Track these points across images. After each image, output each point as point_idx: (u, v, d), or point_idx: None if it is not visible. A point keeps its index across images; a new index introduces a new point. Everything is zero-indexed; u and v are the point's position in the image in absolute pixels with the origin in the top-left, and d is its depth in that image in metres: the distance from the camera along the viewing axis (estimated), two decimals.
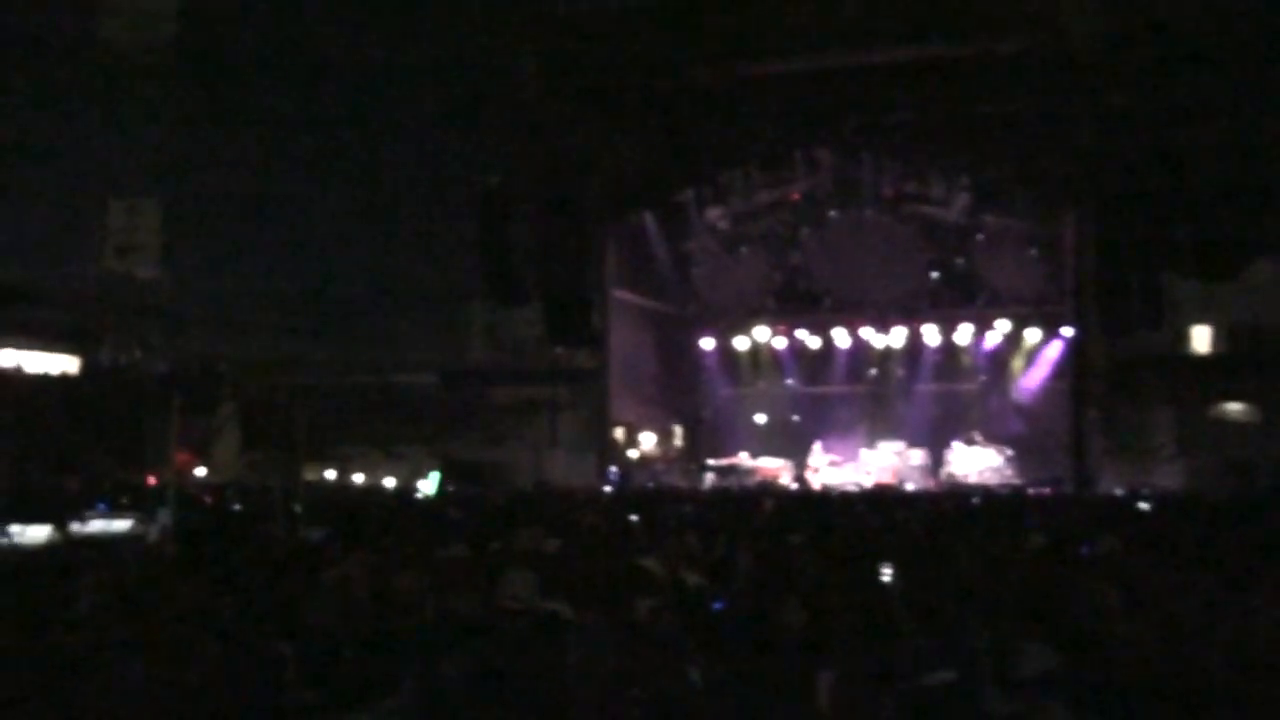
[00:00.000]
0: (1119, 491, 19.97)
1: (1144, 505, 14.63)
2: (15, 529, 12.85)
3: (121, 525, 13.40)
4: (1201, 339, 23.62)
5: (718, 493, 22.10)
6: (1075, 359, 23.82)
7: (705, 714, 4.80)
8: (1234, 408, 22.80)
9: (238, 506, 14.96)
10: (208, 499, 17.18)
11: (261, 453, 24.69)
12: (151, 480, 20.41)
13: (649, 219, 26.91)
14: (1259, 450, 20.85)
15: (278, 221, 28.36)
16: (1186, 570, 7.63)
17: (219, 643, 5.75)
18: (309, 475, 25.45)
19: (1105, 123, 21.98)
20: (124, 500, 15.76)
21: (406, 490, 22.57)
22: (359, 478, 25.84)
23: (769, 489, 22.59)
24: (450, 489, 22.43)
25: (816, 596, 6.64)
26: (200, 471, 25.30)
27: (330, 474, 26.01)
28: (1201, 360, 23.40)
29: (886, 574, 6.88)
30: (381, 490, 23.22)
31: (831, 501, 18.00)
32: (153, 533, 12.64)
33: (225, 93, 27.60)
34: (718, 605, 7.06)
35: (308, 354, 27.99)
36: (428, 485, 23.56)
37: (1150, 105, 21.33)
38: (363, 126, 27.44)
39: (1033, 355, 25.99)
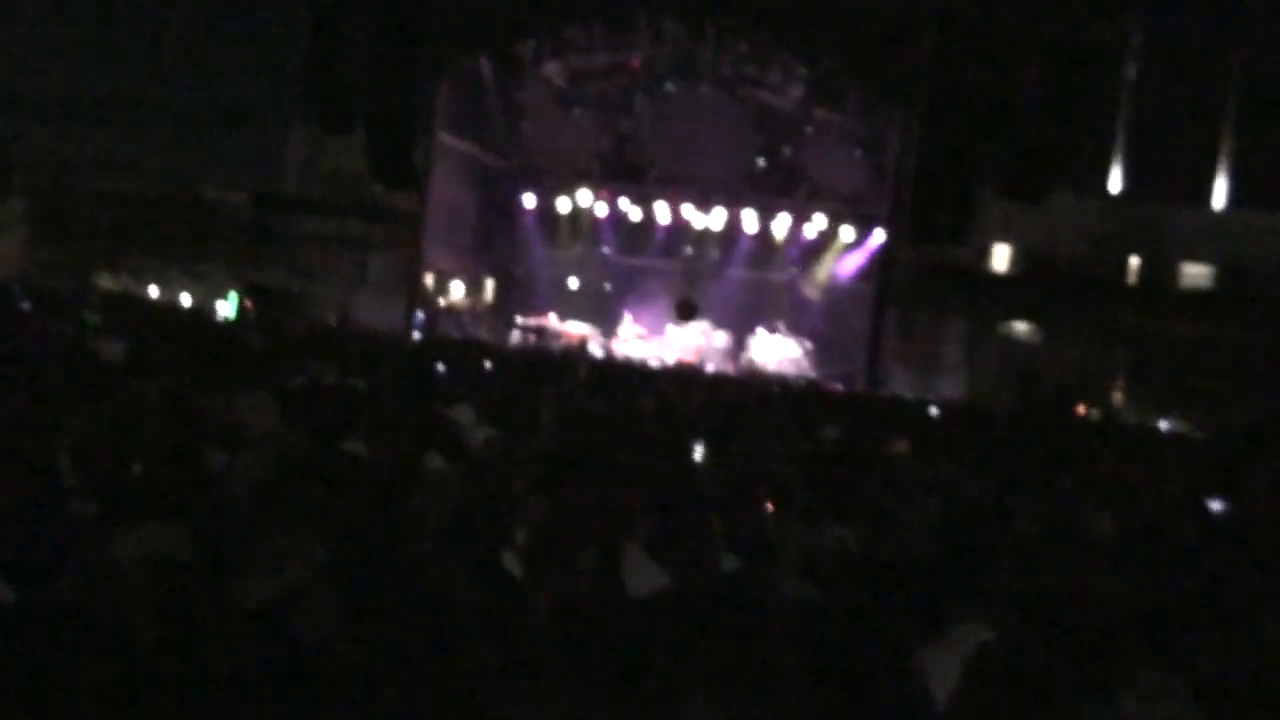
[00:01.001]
0: (907, 395, 20.86)
1: (933, 410, 15.33)
2: None
3: None
4: (1000, 257, 24.66)
5: (527, 351, 22.13)
6: (883, 261, 24.52)
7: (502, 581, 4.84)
8: (1020, 327, 23.99)
9: (25, 305, 14.15)
10: None
11: (51, 252, 23.44)
12: None
13: (485, 66, 26.22)
14: (1039, 369, 22.06)
15: (94, 15, 26.46)
16: (969, 473, 8.06)
17: None
18: (101, 282, 24.41)
19: (942, 32, 22.35)
20: None
21: (205, 311, 21.81)
22: (153, 291, 24.82)
23: (581, 355, 22.73)
24: (250, 315, 21.80)
25: (620, 466, 6.76)
26: None
27: (121, 283, 24.92)
28: (997, 278, 24.46)
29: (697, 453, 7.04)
30: (179, 308, 22.37)
31: (638, 373, 18.25)
32: None
33: None
34: None
35: (112, 154, 26.43)
36: (225, 307, 22.86)
37: (987, 21, 21.77)
38: None
39: (843, 252, 26.61)
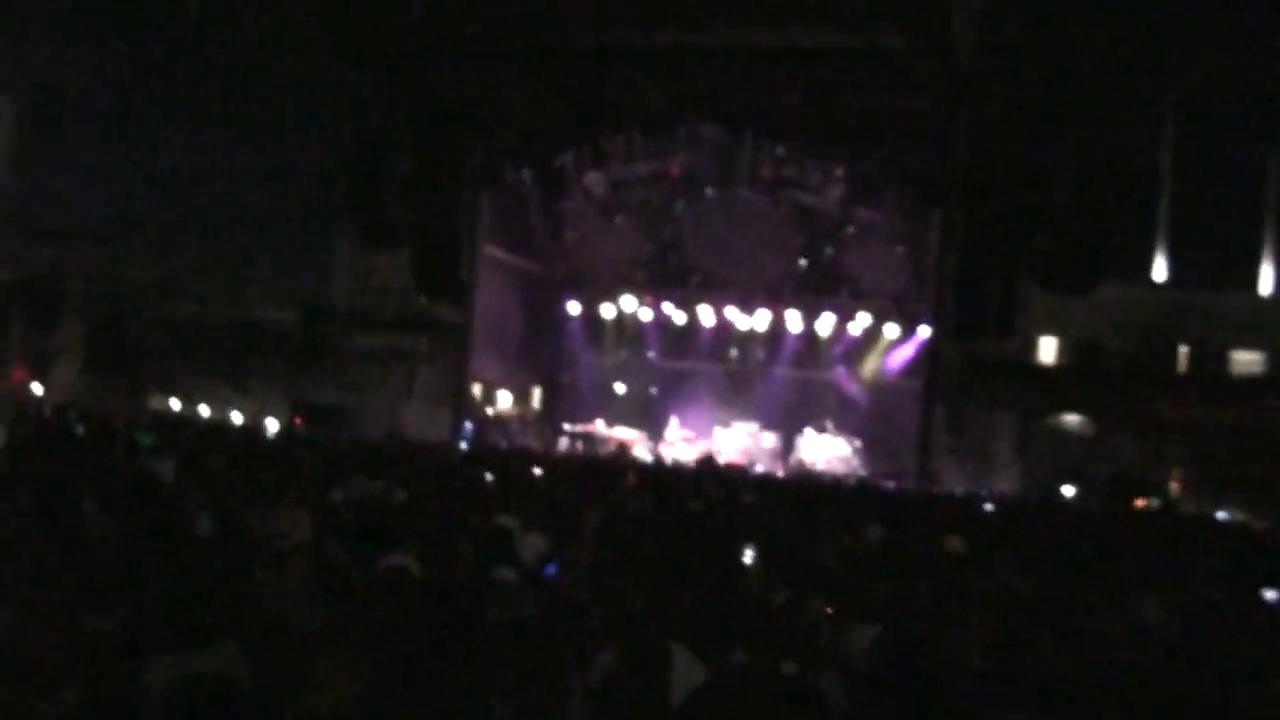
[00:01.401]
0: (958, 491, 20.61)
1: (988, 506, 15.14)
2: None
3: None
4: (1048, 350, 24.49)
5: (574, 459, 22.13)
6: (929, 357, 24.42)
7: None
8: (1071, 419, 23.71)
9: (79, 430, 14.38)
10: (48, 414, 16.53)
11: (104, 376, 23.88)
12: None
13: (527, 177, 26.67)
14: (1091, 461, 21.75)
15: (145, 141, 27.31)
16: (1025, 572, 7.92)
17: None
18: (152, 403, 24.79)
19: (979, 130, 22.49)
20: None
21: (254, 428, 22.06)
22: (204, 410, 25.16)
23: (627, 460, 22.68)
24: (299, 431, 22.02)
25: (665, 571, 6.70)
26: (36, 389, 24.35)
27: (174, 404, 25.31)
28: (1046, 370, 24.28)
29: (748, 557, 6.97)
30: (229, 426, 22.64)
31: (686, 477, 18.17)
32: None
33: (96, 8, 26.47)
34: (550, 569, 7.09)
35: (164, 279, 27.06)
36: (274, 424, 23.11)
37: (1023, 118, 21.92)
38: (241, 52, 26.55)
39: (889, 350, 26.55)
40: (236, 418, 24.20)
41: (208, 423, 23.29)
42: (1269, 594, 7.35)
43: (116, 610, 5.00)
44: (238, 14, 26.84)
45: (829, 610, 5.90)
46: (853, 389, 26.87)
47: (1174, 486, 20.81)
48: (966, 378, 23.52)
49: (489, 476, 13.14)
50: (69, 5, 26.99)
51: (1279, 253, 24.45)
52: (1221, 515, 18.17)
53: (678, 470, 21.02)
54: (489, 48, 24.23)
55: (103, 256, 26.78)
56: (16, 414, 15.32)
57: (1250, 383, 23.05)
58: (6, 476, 9.37)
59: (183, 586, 5.62)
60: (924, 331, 24.91)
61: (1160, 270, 25.10)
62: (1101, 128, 21.63)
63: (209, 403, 25.34)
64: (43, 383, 25.09)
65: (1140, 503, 19.43)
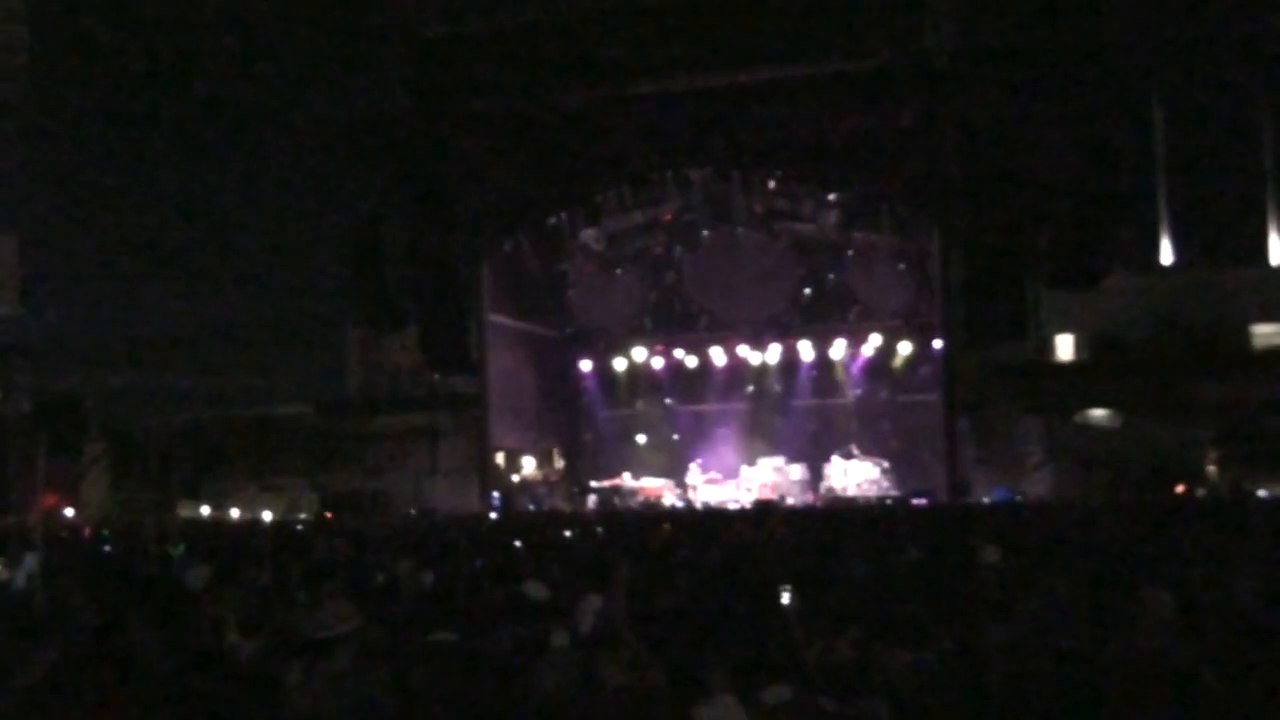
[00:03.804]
0: (987, 500, 20.41)
1: (1021, 512, 14.97)
2: None
3: None
4: (1065, 347, 24.31)
5: (604, 515, 22.02)
6: (945, 369, 24.28)
7: None
8: (1098, 414, 23.49)
9: (108, 548, 14.37)
10: (83, 536, 16.53)
11: (133, 491, 23.95)
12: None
13: (523, 241, 26.78)
14: (1124, 453, 21.52)
15: (142, 255, 27.61)
16: (1060, 578, 7.79)
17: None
18: (184, 511, 24.78)
19: (964, 136, 22.48)
20: None
21: (285, 524, 22.01)
22: (235, 512, 25.16)
23: (656, 510, 22.55)
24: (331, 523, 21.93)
25: (702, 619, 6.62)
26: (69, 513, 24.40)
27: (205, 509, 25.32)
28: (1065, 368, 24.08)
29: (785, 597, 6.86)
30: (259, 525, 22.62)
31: (717, 519, 18.04)
32: (19, 579, 12.07)
33: (83, 124, 26.86)
34: None
35: (177, 388, 27.26)
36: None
37: (1007, 117, 21.90)
38: (233, 156, 26.90)
39: (905, 368, 26.44)
40: (266, 516, 24.18)
41: (238, 523, 23.27)
42: None
43: None
44: (231, 127, 27.20)
45: (864, 639, 5.79)
46: (878, 412, 26.64)
47: (1211, 470, 20.54)
48: (986, 384, 23.37)
49: (518, 544, 13.04)
50: (63, 135, 27.35)
51: None
52: (1262, 493, 17.90)
53: (710, 513, 20.88)
54: (472, 119, 24.45)
55: (117, 375, 26.98)
56: (48, 540, 15.29)
57: (1275, 354, 22.75)
58: (46, 607, 9.36)
59: (217, 703, 5.57)
60: (937, 344, 24.77)
61: (1167, 253, 24.97)
62: (1087, 121, 21.60)
63: (238, 504, 25.36)
64: (74, 505, 25.14)
65: (1180, 489, 19.19)
